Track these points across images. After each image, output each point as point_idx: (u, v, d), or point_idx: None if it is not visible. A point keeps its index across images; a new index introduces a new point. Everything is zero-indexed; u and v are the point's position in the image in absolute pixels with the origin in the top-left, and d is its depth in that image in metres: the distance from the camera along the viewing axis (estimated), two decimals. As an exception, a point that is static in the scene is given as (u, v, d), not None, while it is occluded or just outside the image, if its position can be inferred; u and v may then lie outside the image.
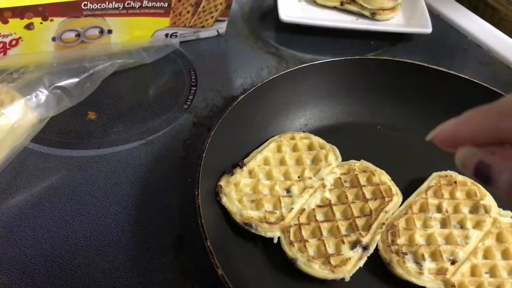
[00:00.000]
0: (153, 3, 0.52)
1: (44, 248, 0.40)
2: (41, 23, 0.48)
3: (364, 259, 0.39)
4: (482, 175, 0.20)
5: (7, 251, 0.39)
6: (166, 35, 0.57)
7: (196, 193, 0.38)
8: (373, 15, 0.64)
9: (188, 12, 0.56)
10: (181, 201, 0.44)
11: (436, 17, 0.67)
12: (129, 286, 0.38)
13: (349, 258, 0.38)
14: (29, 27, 0.48)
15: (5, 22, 0.46)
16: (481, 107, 0.21)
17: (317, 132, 0.49)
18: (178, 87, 0.55)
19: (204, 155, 0.41)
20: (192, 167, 0.46)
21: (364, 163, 0.45)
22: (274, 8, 0.68)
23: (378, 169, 0.45)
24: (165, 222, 0.42)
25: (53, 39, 0.51)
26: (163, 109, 0.52)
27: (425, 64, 0.51)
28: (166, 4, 0.53)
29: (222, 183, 0.42)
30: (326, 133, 0.49)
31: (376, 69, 0.52)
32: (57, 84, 0.46)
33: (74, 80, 0.46)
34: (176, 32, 0.58)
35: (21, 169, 0.45)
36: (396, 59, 0.51)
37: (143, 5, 0.52)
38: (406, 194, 0.43)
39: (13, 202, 0.43)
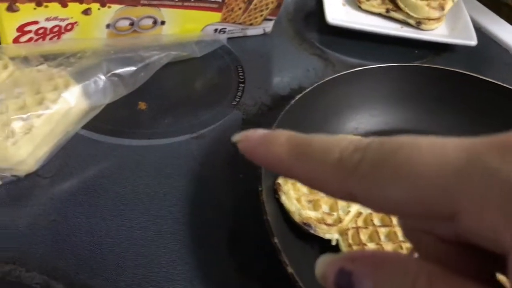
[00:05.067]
0: (208, -3, 0.52)
1: (99, 236, 0.39)
2: (98, 9, 0.48)
3: (423, 266, 0.38)
4: (343, 287, 0.16)
5: (63, 237, 0.39)
6: (215, 30, 0.57)
7: (260, 189, 0.38)
8: (418, 24, 0.64)
9: (240, 8, 0.55)
10: (233, 196, 0.44)
11: (477, 30, 0.67)
12: (186, 279, 0.37)
13: (409, 264, 0.38)
14: (86, 12, 0.48)
15: (65, 5, 0.46)
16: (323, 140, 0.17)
17: (368, 136, 0.48)
18: (226, 83, 0.55)
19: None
20: (242, 163, 0.46)
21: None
22: (317, 10, 0.68)
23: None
24: (218, 216, 0.42)
25: (107, 26, 0.50)
26: (212, 104, 0.52)
27: (478, 76, 0.51)
28: (221, -1, 0.53)
29: (280, 181, 0.41)
30: (377, 135, 0.48)
31: (428, 77, 0.52)
32: (114, 72, 0.45)
33: (131, 68, 0.46)
34: (225, 28, 0.58)
35: (72, 155, 0.45)
36: (448, 68, 0.51)
37: (199, -2, 0.52)
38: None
39: (66, 187, 0.42)
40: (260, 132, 0.19)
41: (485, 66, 0.64)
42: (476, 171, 0.13)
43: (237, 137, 0.19)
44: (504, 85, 0.51)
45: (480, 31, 0.69)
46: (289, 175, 0.17)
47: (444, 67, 0.51)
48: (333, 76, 0.49)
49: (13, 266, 0.36)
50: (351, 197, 0.16)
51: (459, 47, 0.65)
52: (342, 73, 0.49)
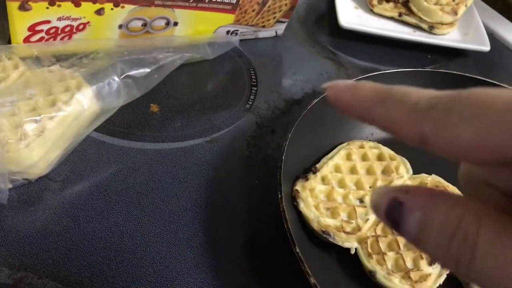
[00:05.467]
0: (223, -2, 0.51)
1: (113, 242, 0.38)
2: (112, 9, 0.47)
3: (444, 276, 0.38)
4: (393, 217, 0.17)
5: (76, 243, 0.38)
6: (228, 32, 0.56)
7: (280, 196, 0.37)
8: (431, 29, 0.63)
9: (253, 10, 0.55)
10: (249, 202, 0.43)
11: (490, 36, 0.66)
12: (202, 287, 0.36)
13: (429, 274, 0.37)
14: (99, 12, 0.47)
15: (78, 5, 0.45)
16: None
17: (383, 142, 0.48)
18: (239, 86, 0.54)
19: (283, 158, 0.40)
20: (257, 168, 0.46)
21: (436, 178, 0.44)
22: (328, 13, 0.67)
23: (450, 185, 0.44)
24: (234, 222, 0.41)
25: (120, 26, 0.49)
26: (225, 107, 0.51)
27: (493, 81, 0.51)
28: (235, 1, 0.52)
29: (298, 187, 0.41)
30: (392, 143, 0.47)
31: (443, 82, 0.51)
32: (128, 73, 0.44)
33: (145, 70, 0.45)
34: (237, 30, 0.57)
35: (84, 158, 0.44)
36: (465, 74, 0.51)
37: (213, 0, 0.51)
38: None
39: (77, 191, 0.41)
40: (347, 81, 0.20)
41: (498, 71, 0.64)
42: None
43: (326, 84, 0.20)
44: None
45: (492, 37, 0.68)
46: (369, 117, 0.18)
47: (457, 72, 0.51)
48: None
49: (25, 273, 0.35)
50: (423, 139, 0.16)
51: (471, 53, 0.64)
52: (357, 78, 0.48)
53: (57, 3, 0.44)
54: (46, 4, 0.44)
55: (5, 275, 0.35)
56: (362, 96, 0.18)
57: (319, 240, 0.39)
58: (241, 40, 0.58)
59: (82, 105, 0.41)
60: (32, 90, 0.41)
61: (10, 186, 0.40)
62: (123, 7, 0.47)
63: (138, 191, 0.42)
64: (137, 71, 0.45)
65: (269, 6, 0.55)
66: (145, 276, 0.36)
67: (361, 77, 0.49)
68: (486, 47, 0.61)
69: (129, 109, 0.48)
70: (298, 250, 0.34)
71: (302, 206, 0.40)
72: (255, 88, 0.54)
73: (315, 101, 0.45)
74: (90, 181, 0.42)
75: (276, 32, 0.60)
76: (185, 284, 0.36)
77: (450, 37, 0.64)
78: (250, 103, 0.52)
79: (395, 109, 0.17)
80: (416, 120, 0.16)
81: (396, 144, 0.48)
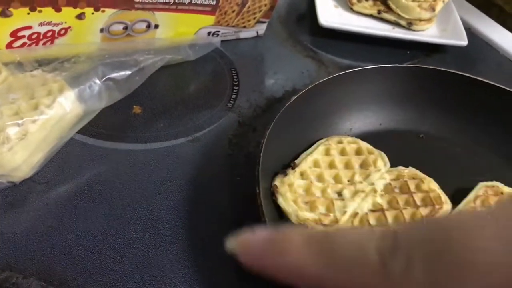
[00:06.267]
0: (202, 0, 0.52)
1: (97, 240, 0.39)
2: (92, 13, 0.48)
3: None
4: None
5: (59, 242, 0.39)
6: (209, 33, 0.57)
7: (258, 191, 0.38)
8: (409, 25, 0.65)
9: (233, 11, 0.56)
10: (231, 199, 0.44)
11: (467, 31, 0.68)
12: (185, 282, 0.37)
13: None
14: (80, 17, 0.48)
15: (59, 10, 0.46)
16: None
17: (362, 136, 0.49)
18: (220, 86, 0.55)
19: (261, 154, 0.41)
20: (239, 165, 0.47)
21: (412, 170, 0.45)
22: (309, 13, 0.68)
23: (427, 177, 0.45)
24: (216, 219, 0.42)
25: (101, 30, 0.50)
26: (207, 107, 0.52)
27: (469, 75, 0.52)
28: (214, 2, 0.53)
29: (277, 183, 0.42)
30: (370, 138, 0.49)
31: (421, 78, 0.52)
32: (109, 76, 0.45)
33: (126, 72, 0.46)
34: (218, 31, 0.58)
35: (67, 160, 0.45)
36: (441, 69, 0.52)
37: (192, 1, 0.52)
38: (452, 202, 0.44)
39: (61, 192, 0.42)
40: (261, 234, 0.15)
41: (476, 66, 0.65)
42: None
43: (233, 244, 0.15)
44: (495, 84, 0.51)
45: (470, 32, 0.70)
46: (315, 284, 0.14)
47: (435, 67, 0.52)
48: (327, 78, 0.49)
49: (10, 273, 0.36)
50: None
51: (450, 48, 0.66)
52: (335, 74, 0.49)
53: (38, 8, 0.45)
54: (27, 10, 0.45)
55: (-14, 274, 0.36)
56: (296, 262, 0.14)
57: (299, 234, 0.40)
58: (222, 41, 0.59)
59: (64, 108, 0.42)
60: (14, 94, 0.42)
61: (-5, 189, 0.41)
62: (103, 11, 0.48)
63: (121, 191, 0.43)
64: (118, 74, 0.46)
65: (248, 7, 0.56)
66: (128, 273, 0.37)
67: (340, 73, 0.50)
68: (463, 41, 0.62)
69: (112, 111, 0.49)
70: (275, 242, 0.35)
71: (280, 201, 0.41)
72: (237, 88, 0.55)
73: (294, 98, 0.46)
74: (74, 183, 0.43)
75: (257, 32, 0.61)
76: (167, 280, 0.37)
77: (428, 33, 0.65)
78: (232, 102, 0.53)
79: (353, 274, 0.14)
80: (390, 285, 0.13)
81: (374, 138, 0.49)
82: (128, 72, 0.46)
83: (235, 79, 0.56)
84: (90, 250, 0.38)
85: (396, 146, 0.49)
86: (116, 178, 0.44)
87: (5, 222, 0.39)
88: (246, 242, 0.15)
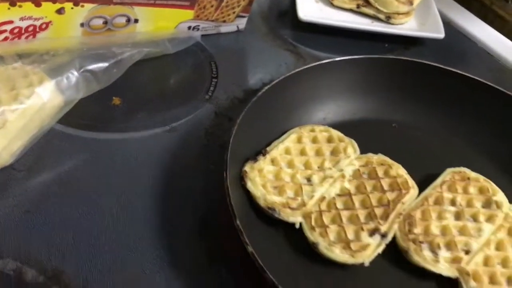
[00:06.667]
0: (180, -5, 0.54)
1: (71, 224, 0.41)
2: (72, 8, 0.50)
3: (383, 246, 0.40)
4: None
5: (36, 226, 0.40)
6: (189, 27, 0.59)
7: (225, 175, 0.39)
8: (388, 19, 0.66)
9: (212, 6, 0.57)
10: (204, 186, 0.45)
11: (446, 24, 0.69)
12: (156, 264, 0.39)
13: (369, 244, 0.40)
14: (60, 11, 0.49)
15: (38, 5, 0.48)
16: None
17: (335, 126, 0.50)
18: (199, 78, 0.56)
19: (231, 140, 0.42)
20: (214, 154, 0.48)
21: (381, 157, 0.47)
22: (291, 8, 0.70)
23: (395, 163, 0.46)
24: (189, 205, 0.43)
25: (82, 25, 0.52)
26: (185, 99, 0.54)
27: (442, 66, 0.53)
28: (192, -3, 0.55)
29: (246, 168, 0.43)
30: (343, 127, 0.50)
31: (393, 68, 0.53)
32: (87, 68, 0.47)
33: (103, 64, 0.48)
34: (199, 25, 0.59)
35: (48, 149, 0.46)
36: (413, 59, 0.53)
37: (171, -4, 0.53)
38: (421, 188, 0.45)
39: (40, 180, 0.44)
40: None
41: (454, 59, 0.66)
42: None
43: None
44: (469, 75, 0.52)
45: (449, 25, 0.71)
46: None
47: (408, 58, 0.53)
48: (301, 69, 0.50)
49: (-13, 254, 0.38)
50: None
51: (429, 41, 0.67)
52: (309, 65, 0.51)
53: (18, 3, 0.47)
54: (7, 5, 0.46)
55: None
56: None
57: (267, 218, 0.42)
58: (203, 35, 0.61)
59: (42, 98, 0.44)
60: (-6, 85, 0.43)
61: (-25, 176, 0.42)
62: (82, 6, 0.50)
63: (98, 177, 0.45)
64: (95, 65, 0.47)
65: (227, 2, 0.58)
66: (101, 254, 0.39)
67: (314, 64, 0.51)
68: (440, 34, 0.63)
69: (92, 103, 0.50)
70: (238, 222, 0.36)
71: (249, 185, 0.42)
72: (216, 80, 0.56)
73: (266, 87, 0.48)
74: (53, 171, 0.45)
75: (237, 26, 0.63)
76: (139, 261, 0.39)
77: (406, 27, 0.67)
78: (210, 94, 0.54)
79: None
80: None
81: (346, 127, 0.50)
82: (106, 64, 0.48)
83: (214, 72, 0.57)
84: (65, 234, 0.40)
85: (369, 135, 0.50)
86: (94, 166, 0.45)
87: (-15, 207, 0.41)
88: None
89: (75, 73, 0.46)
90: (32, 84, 0.45)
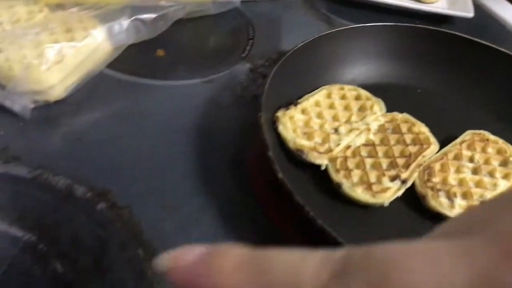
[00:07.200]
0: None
1: (119, 153, 0.45)
2: (126, -36, 0.54)
3: (402, 190, 0.43)
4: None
5: (86, 151, 0.44)
6: (230, -8, 0.62)
7: (259, 115, 0.43)
8: (420, -3, 0.69)
9: (253, -28, 0.61)
10: (237, 130, 0.49)
11: (477, 7, 0.71)
12: (191, 193, 0.42)
13: (389, 188, 0.43)
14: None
15: (96, -43, 0.52)
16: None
17: (363, 87, 0.53)
18: (237, 39, 0.60)
19: (266, 87, 0.45)
20: (247, 104, 0.52)
21: (406, 115, 0.49)
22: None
23: (418, 121, 0.49)
24: (223, 144, 0.47)
25: (133, -20, 0.56)
26: (223, 55, 0.57)
27: (470, 37, 0.55)
28: (236, -39, 0.58)
29: (279, 114, 0.46)
30: (371, 89, 0.53)
31: (422, 37, 0.56)
32: (137, 16, 0.51)
33: (152, 15, 0.52)
34: (239, -10, 0.63)
35: (97, 89, 0.51)
36: (442, 29, 0.56)
37: (216, -41, 0.57)
38: (442, 147, 0.48)
39: (90, 114, 0.48)
40: (194, 252, 0.14)
41: (481, 39, 0.68)
42: None
43: (163, 262, 0.15)
44: (493, 45, 0.55)
45: (480, 8, 0.73)
46: None
47: (437, 28, 0.56)
48: (334, 30, 0.53)
49: (43, 170, 0.42)
50: None
51: (459, 22, 0.69)
52: (342, 28, 0.54)
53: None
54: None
55: (26, 172, 0.42)
56: (226, 285, 0.14)
57: (295, 161, 0.45)
58: (242, 1, 0.64)
59: (96, 40, 0.48)
60: (54, 25, 0.48)
61: (33, 105, 0.47)
62: (136, -39, 0.54)
63: (141, 116, 0.48)
64: (145, 15, 0.51)
65: (267, -31, 0.61)
66: (142, 179, 0.43)
67: (345, 27, 0.54)
68: (469, 13, 0.66)
69: (138, 53, 0.54)
70: (270, 153, 0.39)
71: (281, 128, 0.45)
72: (252, 41, 0.60)
73: (300, 44, 0.51)
74: (101, 108, 0.49)
75: (275, -5, 0.66)
76: (176, 188, 0.42)
77: (437, 5, 0.69)
78: (246, 53, 0.58)
79: None
80: None
81: (373, 89, 0.53)
82: (154, 15, 0.52)
83: (251, 34, 0.61)
84: (112, 159, 0.44)
85: (394, 97, 0.53)
86: (139, 107, 0.50)
87: (39, 133, 0.45)
88: (177, 260, 0.14)
89: (127, 20, 0.50)
90: (86, 28, 0.49)
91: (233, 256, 0.14)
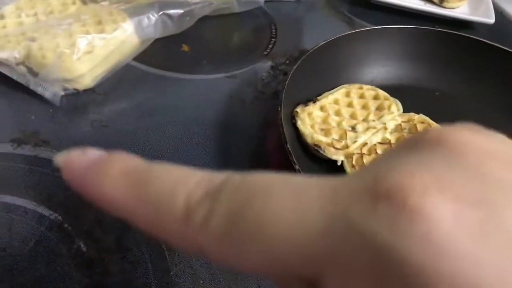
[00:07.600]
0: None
1: (141, 140, 0.46)
2: (156, -40, 0.56)
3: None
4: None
5: (111, 137, 0.46)
6: (255, -9, 0.64)
7: (279, 109, 0.44)
8: (441, 1, 0.69)
9: (277, -28, 0.62)
10: (257, 124, 0.50)
11: (499, 14, 0.71)
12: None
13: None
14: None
15: (128, -46, 0.54)
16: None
17: (382, 88, 0.54)
18: (260, 37, 0.62)
19: (286, 83, 0.47)
20: (268, 100, 0.53)
21: (422, 116, 0.50)
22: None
23: (434, 123, 0.50)
24: (242, 137, 0.49)
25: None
26: (246, 52, 0.59)
27: (489, 42, 0.56)
28: (262, -39, 0.60)
29: (298, 109, 0.48)
30: (389, 90, 0.54)
31: (442, 41, 0.57)
32: (165, 11, 0.53)
33: (179, 11, 0.54)
34: (263, -10, 0.64)
35: (124, 80, 0.53)
36: (461, 33, 0.57)
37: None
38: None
39: (116, 104, 0.50)
40: (89, 155, 0.15)
41: (501, 45, 0.68)
42: (341, 231, 0.11)
43: (60, 159, 0.15)
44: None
45: (501, 15, 0.73)
46: (127, 218, 0.14)
47: (456, 32, 0.57)
48: (355, 31, 0.55)
49: (71, 154, 0.44)
50: (202, 252, 0.13)
51: (479, 27, 0.70)
52: (363, 29, 0.55)
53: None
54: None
55: (50, 152, 0.44)
56: (110, 188, 0.14)
57: (312, 155, 0.46)
58: (266, 1, 0.66)
59: (125, 32, 0.50)
60: (85, 16, 0.50)
61: (63, 93, 0.49)
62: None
63: (166, 108, 0.50)
64: (172, 11, 0.53)
65: (292, -30, 0.63)
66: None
67: (366, 28, 0.56)
68: (490, 19, 0.66)
69: (164, 47, 0.56)
70: (288, 146, 0.41)
71: (299, 124, 0.47)
72: (274, 39, 0.61)
73: (321, 43, 0.52)
74: (127, 98, 0.51)
75: (298, -4, 0.68)
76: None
77: (458, 11, 0.70)
78: (268, 50, 0.60)
79: (159, 217, 0.13)
80: (189, 235, 0.13)
81: (392, 90, 0.54)
82: (181, 11, 0.54)
83: (273, 33, 0.62)
84: (136, 144, 0.46)
85: (412, 99, 0.54)
86: (164, 99, 0.51)
87: (69, 119, 0.48)
88: (71, 158, 0.14)
89: (155, 14, 0.52)
90: (116, 21, 0.51)
91: (122, 163, 0.14)
